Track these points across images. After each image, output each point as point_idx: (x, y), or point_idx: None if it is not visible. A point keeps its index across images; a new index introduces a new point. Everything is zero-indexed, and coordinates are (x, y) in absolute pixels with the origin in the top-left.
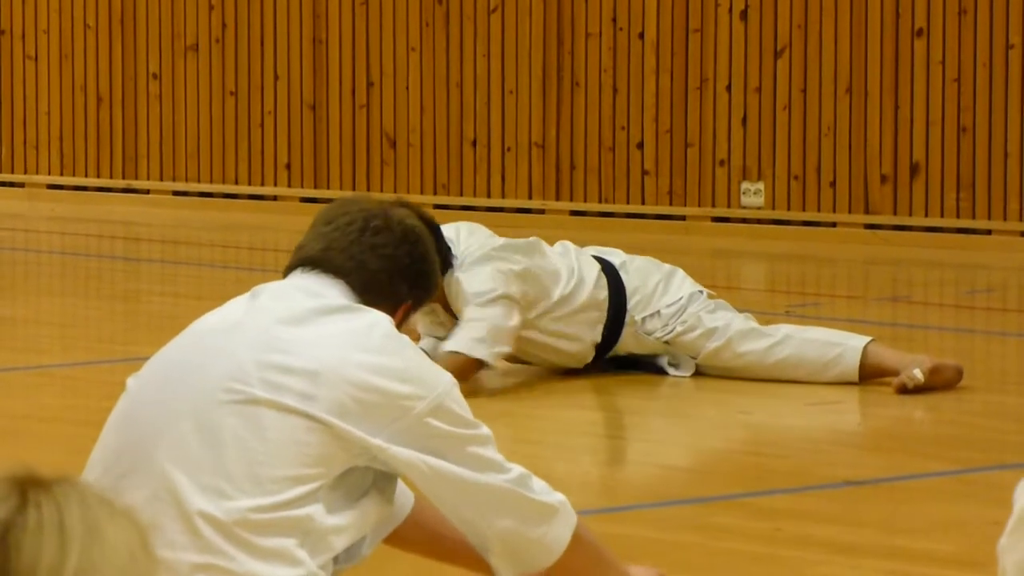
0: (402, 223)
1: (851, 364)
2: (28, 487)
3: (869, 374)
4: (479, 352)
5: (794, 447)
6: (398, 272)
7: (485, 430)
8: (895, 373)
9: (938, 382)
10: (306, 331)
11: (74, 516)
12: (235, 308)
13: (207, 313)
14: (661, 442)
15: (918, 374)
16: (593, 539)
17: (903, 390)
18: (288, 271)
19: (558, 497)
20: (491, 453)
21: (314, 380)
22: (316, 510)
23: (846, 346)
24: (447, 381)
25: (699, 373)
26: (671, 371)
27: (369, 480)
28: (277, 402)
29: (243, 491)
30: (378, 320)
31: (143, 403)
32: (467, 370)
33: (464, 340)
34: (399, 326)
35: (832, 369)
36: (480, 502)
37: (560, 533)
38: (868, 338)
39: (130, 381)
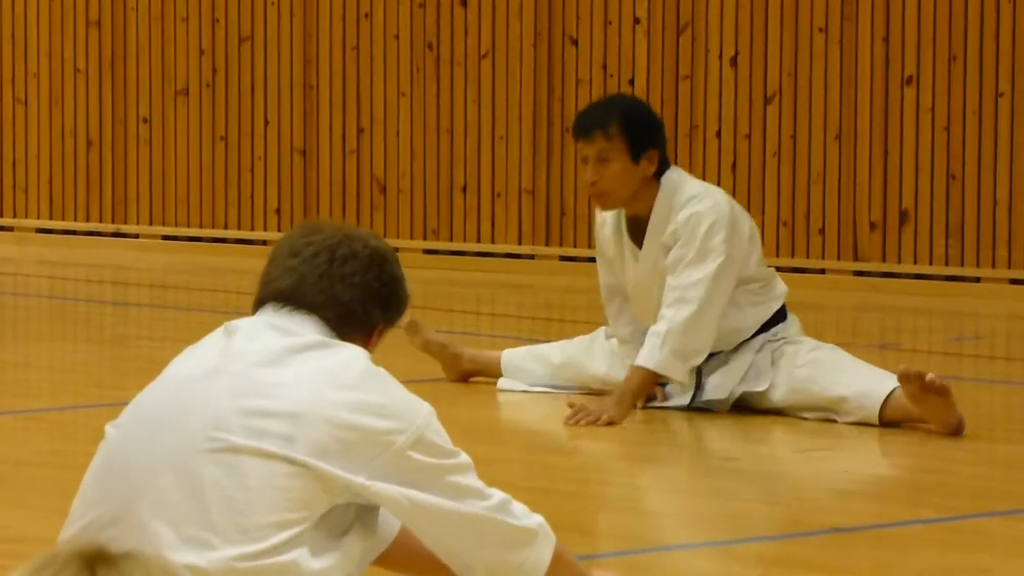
0: (367, 246)
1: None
2: (96, 563)
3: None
4: None
5: (781, 494)
6: (370, 298)
7: (465, 457)
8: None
9: (933, 407)
10: (283, 372)
11: None
12: (209, 350)
13: (183, 353)
14: (645, 487)
15: (932, 377)
16: (571, 557)
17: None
18: (258, 305)
19: (537, 519)
20: (471, 480)
21: (294, 422)
22: (301, 554)
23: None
24: (426, 412)
25: (696, 409)
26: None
27: (351, 515)
28: (258, 448)
29: (228, 540)
30: (354, 355)
31: (123, 454)
32: None
33: None
34: (373, 348)
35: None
36: (462, 532)
37: (541, 555)
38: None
39: (109, 429)
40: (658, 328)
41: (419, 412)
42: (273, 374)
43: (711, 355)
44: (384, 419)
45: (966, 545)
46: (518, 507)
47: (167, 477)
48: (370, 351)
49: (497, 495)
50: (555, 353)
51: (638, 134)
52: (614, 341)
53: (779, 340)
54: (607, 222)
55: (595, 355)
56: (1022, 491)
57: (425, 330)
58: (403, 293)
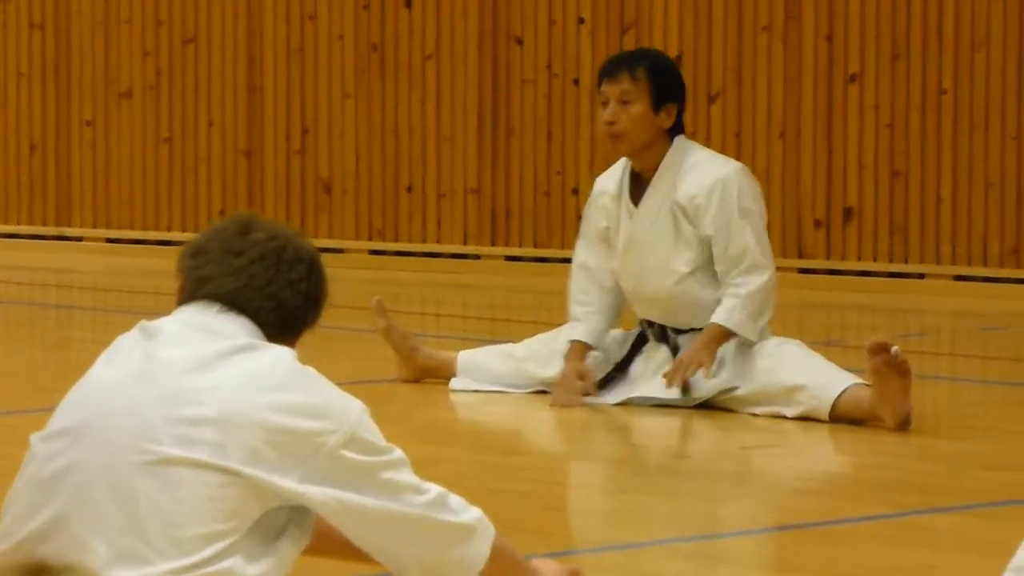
0: (308, 251)
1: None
2: None
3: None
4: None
5: (729, 491)
6: (311, 303)
7: (399, 453)
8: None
9: (890, 388)
10: (211, 376)
11: None
12: (130, 355)
13: (101, 359)
14: (593, 486)
15: (898, 350)
16: (511, 549)
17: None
18: (187, 301)
19: (475, 514)
20: (406, 476)
21: (223, 428)
22: (235, 562)
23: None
24: (358, 410)
25: (642, 405)
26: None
27: (284, 517)
28: (190, 459)
29: (162, 554)
30: (281, 356)
31: (53, 467)
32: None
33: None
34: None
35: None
36: (397, 532)
37: (479, 550)
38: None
39: (35, 442)
40: (737, 290)
41: (351, 410)
42: (201, 380)
43: (685, 331)
44: (315, 419)
45: (912, 541)
46: (455, 501)
47: (100, 491)
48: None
49: (434, 489)
50: (518, 349)
51: (663, 84)
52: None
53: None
54: (607, 190)
55: (556, 353)
56: (968, 487)
57: (389, 316)
58: (324, 292)
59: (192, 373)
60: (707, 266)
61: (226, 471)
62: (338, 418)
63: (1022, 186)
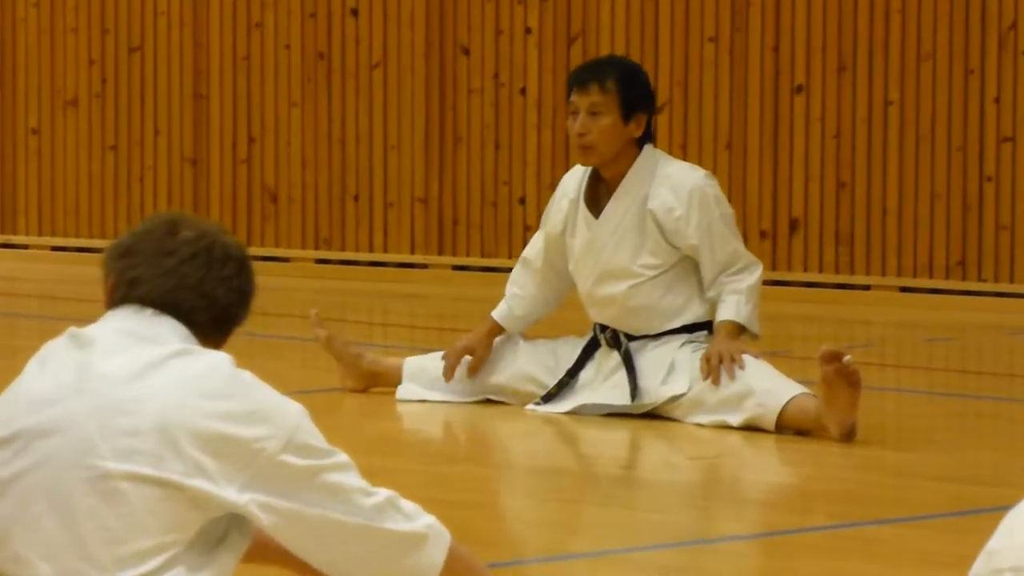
0: (236, 247)
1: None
2: None
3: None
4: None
5: (674, 502)
6: (241, 302)
7: (342, 457)
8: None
9: (838, 397)
10: (145, 385)
11: None
12: (63, 365)
13: (30, 369)
14: (540, 496)
15: (849, 359)
16: (468, 557)
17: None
18: (119, 303)
19: (426, 520)
20: (352, 479)
21: (160, 438)
22: (178, 573)
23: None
24: (296, 412)
25: (590, 414)
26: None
27: (225, 523)
28: (129, 472)
29: (106, 571)
30: (217, 362)
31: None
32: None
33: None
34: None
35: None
36: (343, 541)
37: (432, 558)
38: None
39: None
40: (737, 286)
41: (289, 414)
42: (136, 389)
43: (637, 338)
44: (252, 426)
45: (857, 553)
46: (408, 506)
47: (40, 507)
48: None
49: (382, 493)
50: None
51: (633, 94)
52: (522, 345)
53: (700, 343)
54: (567, 193)
55: (504, 357)
56: (912, 499)
57: (328, 326)
58: (253, 290)
59: (127, 383)
60: (669, 272)
61: (166, 484)
62: (276, 423)
63: (968, 198)
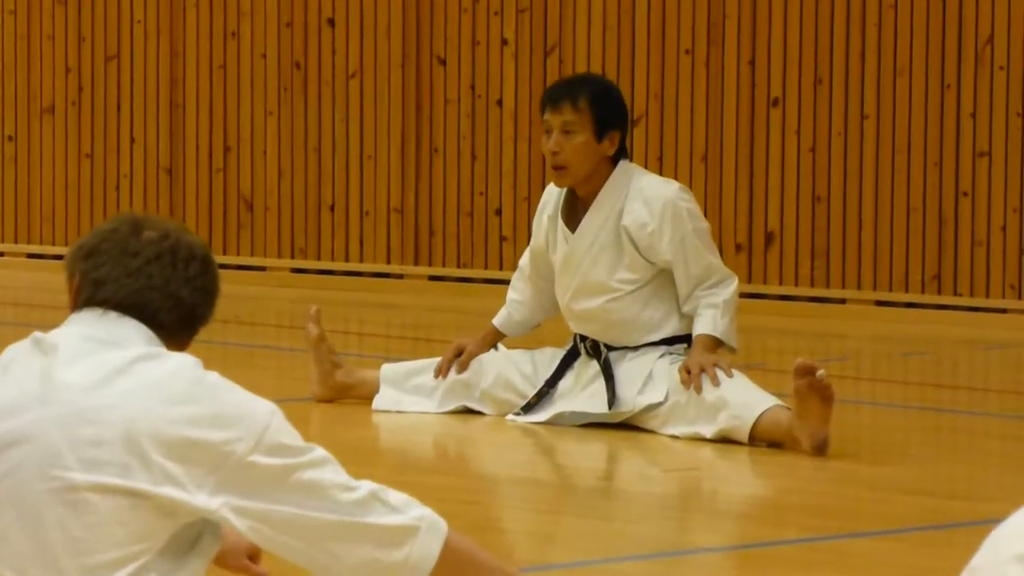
0: (199, 246)
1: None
2: None
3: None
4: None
5: (649, 513)
6: (206, 301)
7: (319, 452)
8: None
9: (810, 411)
10: (111, 392)
11: None
12: (25, 372)
13: None
14: (514, 507)
15: (823, 373)
16: (469, 547)
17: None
18: (84, 305)
19: (417, 512)
20: (329, 475)
21: (126, 447)
22: None
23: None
24: (266, 412)
25: (566, 425)
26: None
27: (198, 528)
28: (97, 483)
29: None
30: (182, 365)
31: None
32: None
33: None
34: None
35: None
36: (325, 541)
37: (425, 549)
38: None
39: None
40: (713, 299)
41: (258, 414)
42: (101, 397)
43: (619, 348)
44: (220, 429)
45: (830, 565)
46: (396, 498)
47: (7, 518)
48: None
49: (365, 486)
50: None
51: (605, 112)
52: (501, 354)
53: (679, 355)
54: (546, 208)
55: (483, 366)
56: (886, 512)
57: (323, 329)
58: (218, 290)
59: (91, 391)
60: (646, 287)
61: (134, 493)
62: (244, 424)
63: (943, 212)
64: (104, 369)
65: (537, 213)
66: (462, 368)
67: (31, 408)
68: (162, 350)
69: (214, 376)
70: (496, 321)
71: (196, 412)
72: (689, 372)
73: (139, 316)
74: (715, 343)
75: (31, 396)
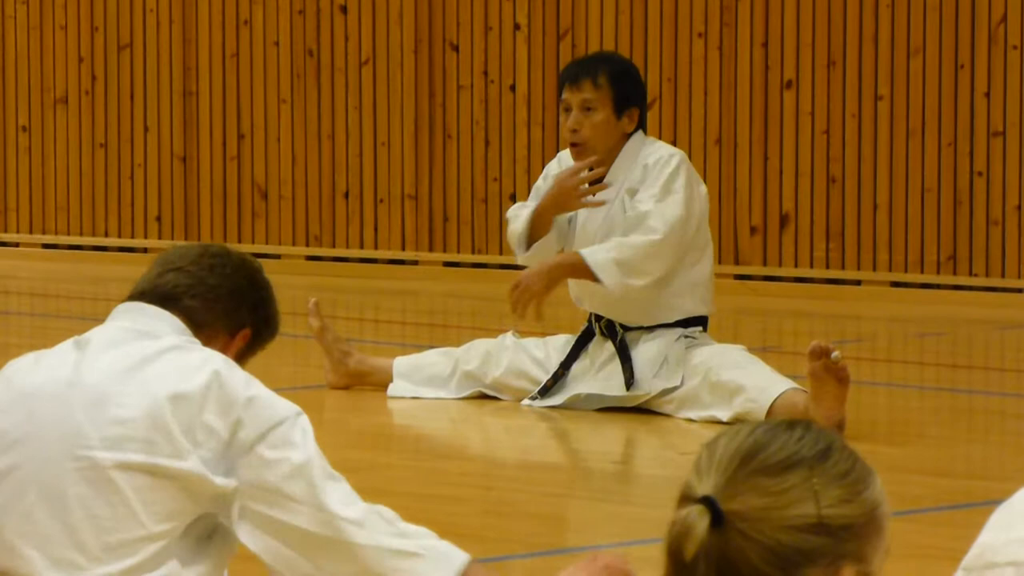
0: (240, 255)
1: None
2: None
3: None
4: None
5: (665, 496)
6: (238, 291)
7: (328, 467)
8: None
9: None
10: (138, 377)
11: None
12: (60, 361)
13: (26, 362)
14: (530, 491)
15: (838, 355)
16: None
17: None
18: (136, 297)
19: (427, 543)
20: (330, 487)
21: (151, 424)
22: (172, 567)
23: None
24: (286, 409)
25: (582, 409)
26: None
27: (214, 521)
28: (120, 461)
29: (97, 560)
30: (208, 356)
31: None
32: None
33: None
34: (238, 358)
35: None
36: (317, 553)
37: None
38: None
39: None
40: (621, 239)
41: (276, 408)
42: (128, 380)
43: (631, 329)
44: (233, 414)
45: None
46: (406, 526)
47: (31, 497)
48: (230, 355)
49: (363, 507)
50: (458, 351)
51: (625, 89)
52: (512, 342)
53: (693, 339)
54: (560, 163)
55: (496, 356)
56: (903, 492)
57: (325, 319)
58: (274, 304)
59: (120, 376)
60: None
61: (156, 471)
62: (257, 413)
63: (958, 192)
64: (133, 357)
65: (551, 172)
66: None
67: (59, 391)
68: (194, 343)
69: (240, 371)
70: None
71: (216, 396)
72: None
73: (162, 300)
74: (578, 265)
75: (60, 381)
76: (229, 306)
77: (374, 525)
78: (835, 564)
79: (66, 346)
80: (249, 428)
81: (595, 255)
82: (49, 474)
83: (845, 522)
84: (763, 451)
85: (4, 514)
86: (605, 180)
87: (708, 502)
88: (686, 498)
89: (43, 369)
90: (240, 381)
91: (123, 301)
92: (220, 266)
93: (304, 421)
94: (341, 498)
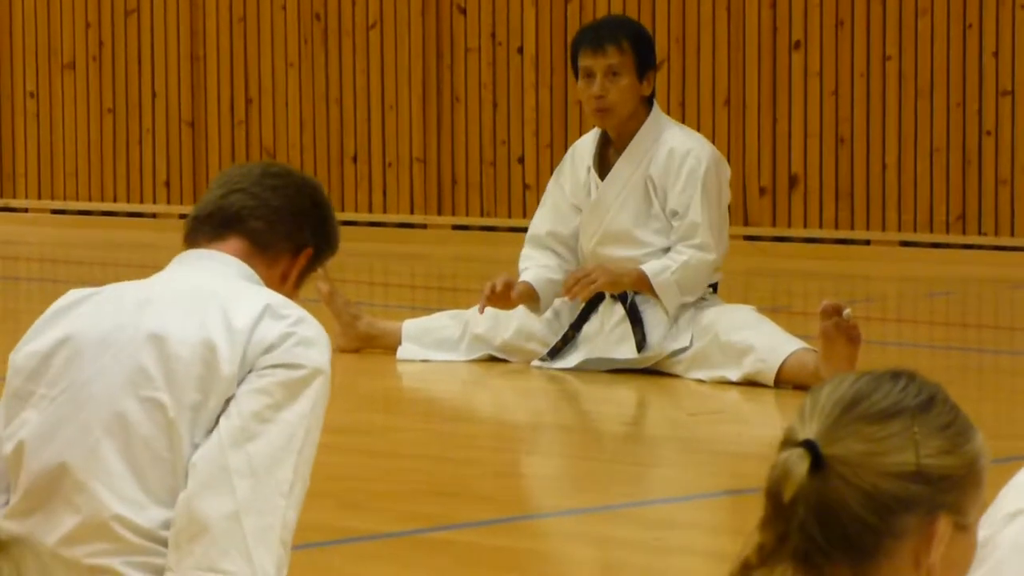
0: (300, 175)
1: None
2: None
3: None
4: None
5: (676, 457)
6: (300, 212)
7: (298, 455)
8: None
9: (836, 352)
10: (196, 319)
11: (32, 574)
12: (127, 302)
13: (88, 301)
14: (540, 452)
15: (849, 314)
16: None
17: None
18: (189, 232)
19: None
20: (287, 468)
21: (204, 368)
22: None
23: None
24: (317, 359)
25: (590, 370)
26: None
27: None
28: (179, 402)
29: (161, 503)
30: (262, 295)
31: (56, 414)
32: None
33: None
34: (299, 280)
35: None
36: (222, 481)
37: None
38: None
39: (18, 361)
40: (679, 256)
41: (310, 355)
42: (188, 323)
43: (640, 293)
44: (277, 346)
45: None
46: (277, 554)
47: (96, 434)
48: (293, 276)
49: (287, 512)
50: (468, 313)
51: (645, 52)
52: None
53: (703, 300)
54: (584, 159)
55: (505, 318)
56: None
57: (333, 282)
58: (334, 224)
59: (181, 318)
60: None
61: (202, 408)
62: (290, 350)
63: (967, 152)
64: (195, 300)
65: (563, 170)
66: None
67: (124, 324)
68: (252, 285)
69: (292, 310)
70: (528, 278)
71: (261, 334)
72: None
73: (227, 222)
74: (643, 283)
75: (126, 324)
76: (292, 227)
77: (273, 531)
78: (932, 513)
79: (129, 288)
80: (271, 355)
81: (660, 276)
82: (114, 412)
83: (944, 472)
84: (866, 399)
85: (70, 449)
86: (626, 151)
87: (809, 446)
88: (788, 442)
89: (106, 311)
90: (288, 321)
91: (187, 224)
92: (283, 187)
93: (323, 380)
94: (285, 477)
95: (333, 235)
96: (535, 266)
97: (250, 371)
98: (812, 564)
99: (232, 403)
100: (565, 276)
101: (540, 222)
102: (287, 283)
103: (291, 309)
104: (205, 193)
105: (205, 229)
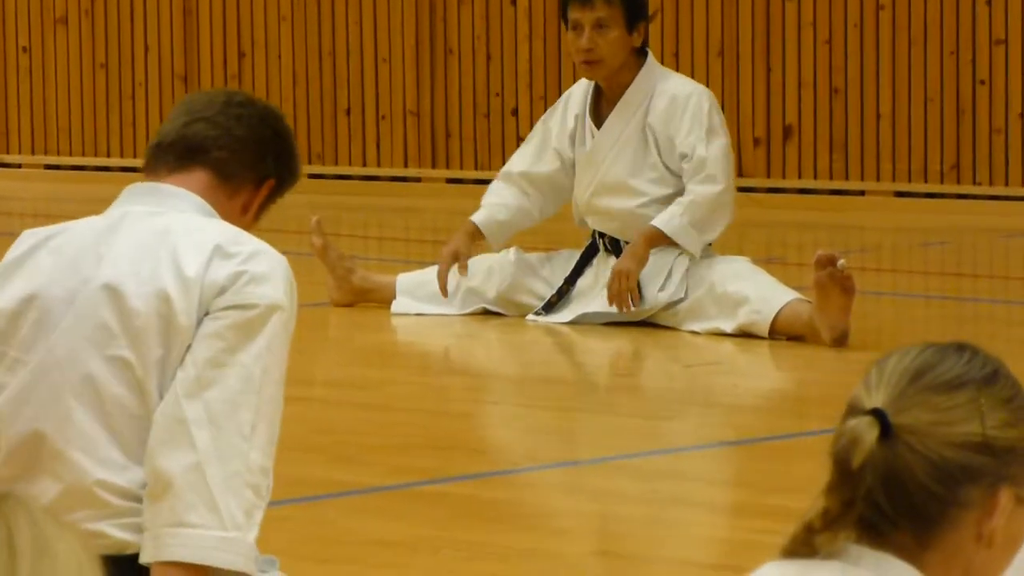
0: (263, 104)
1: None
2: None
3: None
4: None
5: (671, 408)
6: (263, 142)
7: (259, 403)
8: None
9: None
10: (149, 267)
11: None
12: (83, 254)
13: (43, 252)
14: (535, 405)
15: (843, 264)
16: None
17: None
18: (148, 164)
19: (248, 535)
20: (249, 402)
21: (160, 319)
22: None
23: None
24: (274, 295)
25: (585, 323)
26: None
27: None
28: (144, 357)
29: (140, 461)
30: (214, 232)
31: (26, 379)
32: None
33: None
34: (260, 211)
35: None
36: (182, 431)
37: (211, 550)
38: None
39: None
40: (684, 199)
41: (267, 291)
42: (141, 272)
43: None
44: (229, 288)
45: None
46: (256, 514)
47: (68, 401)
48: (254, 208)
49: (254, 461)
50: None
51: (634, 5)
52: (516, 257)
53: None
54: (574, 108)
55: (499, 270)
56: None
57: (327, 236)
58: (296, 152)
59: (135, 267)
60: (673, 197)
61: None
62: (254, 296)
63: (961, 101)
64: (149, 246)
65: (554, 115)
66: (464, 271)
67: (81, 289)
68: (208, 222)
69: (244, 242)
70: (476, 219)
71: (212, 277)
72: (611, 287)
73: (189, 152)
74: (658, 237)
75: (82, 278)
76: (255, 157)
77: (245, 491)
78: (995, 485)
79: (87, 233)
80: (223, 297)
81: (671, 223)
82: (82, 375)
83: (1008, 444)
84: (933, 370)
85: (44, 417)
86: (621, 102)
87: (878, 414)
88: (855, 410)
89: (65, 263)
90: (238, 259)
91: (148, 152)
92: (247, 116)
93: (281, 316)
94: (247, 422)
95: (295, 166)
96: (490, 204)
97: (206, 314)
98: (877, 531)
99: (187, 352)
100: (523, 217)
101: (519, 160)
102: (247, 214)
103: (242, 245)
104: (166, 120)
105: (168, 159)
